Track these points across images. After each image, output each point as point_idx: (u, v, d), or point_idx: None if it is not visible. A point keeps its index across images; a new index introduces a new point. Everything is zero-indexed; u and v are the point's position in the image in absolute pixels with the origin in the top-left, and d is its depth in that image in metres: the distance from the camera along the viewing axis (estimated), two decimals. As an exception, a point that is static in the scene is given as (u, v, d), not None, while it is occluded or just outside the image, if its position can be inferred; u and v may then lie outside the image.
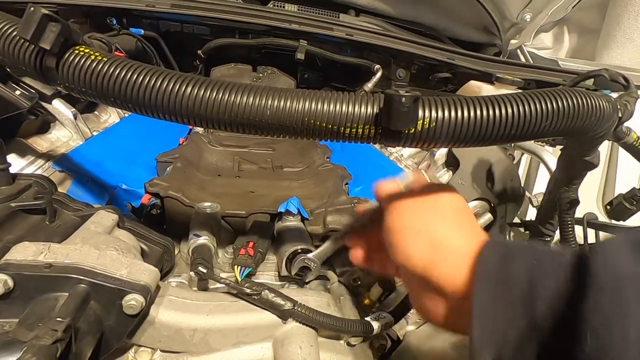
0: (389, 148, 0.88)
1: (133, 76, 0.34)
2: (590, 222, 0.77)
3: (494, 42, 1.35)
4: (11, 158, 0.60)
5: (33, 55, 0.35)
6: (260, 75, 1.09)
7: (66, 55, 0.35)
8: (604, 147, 0.96)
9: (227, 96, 0.34)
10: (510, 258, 0.28)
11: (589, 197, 0.94)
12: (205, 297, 0.43)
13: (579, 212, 0.68)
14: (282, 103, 0.33)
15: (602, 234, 0.78)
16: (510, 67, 0.97)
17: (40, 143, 0.67)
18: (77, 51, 0.35)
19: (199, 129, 0.89)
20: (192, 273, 0.49)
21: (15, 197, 0.44)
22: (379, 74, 0.99)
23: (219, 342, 0.41)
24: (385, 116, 0.32)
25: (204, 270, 0.46)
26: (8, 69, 0.57)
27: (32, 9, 0.32)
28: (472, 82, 0.97)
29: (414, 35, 1.18)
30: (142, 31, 0.93)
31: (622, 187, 0.89)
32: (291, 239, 0.54)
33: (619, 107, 0.42)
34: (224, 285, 0.45)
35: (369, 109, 0.33)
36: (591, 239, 0.77)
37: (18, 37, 0.35)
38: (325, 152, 0.85)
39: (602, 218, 0.82)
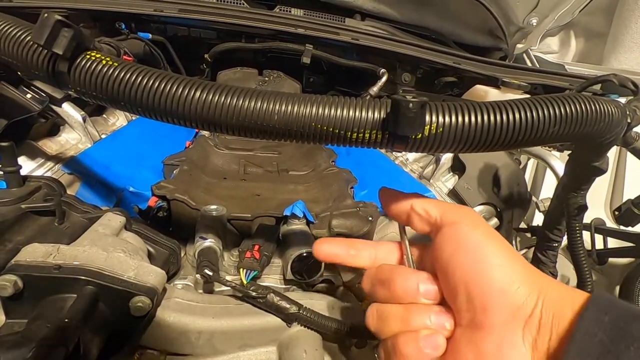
0: (394, 152, 0.88)
1: (143, 80, 0.34)
2: (598, 227, 0.76)
3: (500, 46, 1.34)
4: (22, 160, 0.61)
5: (46, 60, 0.35)
6: (266, 79, 1.10)
7: (78, 60, 0.35)
8: (613, 153, 0.95)
9: (235, 101, 0.34)
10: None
11: (597, 202, 0.93)
12: (211, 299, 0.44)
13: (587, 218, 0.68)
14: (289, 108, 0.34)
15: (610, 240, 0.77)
16: (516, 71, 0.97)
17: (50, 146, 0.68)
18: (88, 56, 0.35)
19: (206, 132, 0.90)
20: (198, 275, 0.49)
21: (25, 199, 0.44)
22: (384, 78, 0.99)
23: (224, 344, 0.41)
24: (393, 121, 0.32)
25: (210, 273, 0.46)
26: (20, 73, 0.58)
27: (45, 15, 0.33)
28: (478, 86, 0.96)
29: (420, 39, 1.18)
30: (150, 35, 0.95)
31: (630, 192, 0.88)
32: (296, 242, 0.55)
33: (627, 112, 0.42)
34: (229, 288, 0.45)
35: (376, 114, 0.33)
36: (599, 244, 0.76)
37: (31, 42, 0.36)
38: (330, 156, 0.85)
39: (610, 224, 0.81)
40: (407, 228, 0.37)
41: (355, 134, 0.34)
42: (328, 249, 0.38)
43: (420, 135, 0.33)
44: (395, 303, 0.33)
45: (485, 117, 0.33)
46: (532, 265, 0.31)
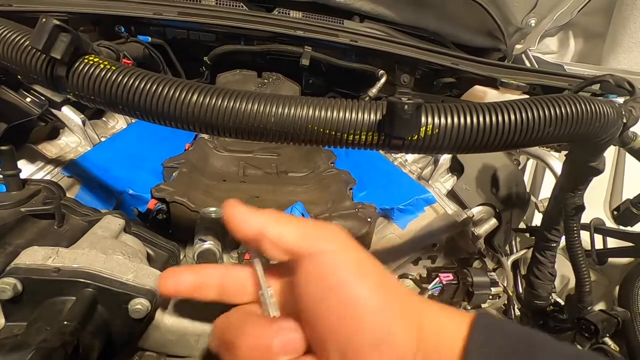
0: (392, 153, 0.89)
1: (141, 84, 0.35)
2: (597, 227, 0.76)
3: (499, 47, 1.35)
4: (21, 164, 0.61)
5: (44, 64, 0.36)
6: (265, 81, 1.11)
7: (76, 65, 0.35)
8: (611, 153, 0.95)
9: (232, 103, 0.34)
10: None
11: (596, 202, 0.93)
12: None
13: (586, 218, 0.68)
14: (286, 110, 0.34)
15: (609, 240, 0.77)
16: (515, 71, 0.97)
17: (50, 149, 0.68)
18: (86, 60, 0.36)
19: (205, 135, 0.90)
20: (197, 278, 0.49)
21: (25, 202, 0.45)
22: (383, 80, 1.00)
23: (223, 346, 0.41)
24: (388, 123, 0.33)
25: (209, 275, 0.46)
26: (19, 77, 0.59)
27: (44, 20, 0.33)
28: (477, 87, 0.97)
29: (418, 40, 1.18)
30: (150, 38, 0.95)
31: (629, 192, 0.88)
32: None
33: (623, 112, 0.42)
34: (228, 290, 0.45)
35: (372, 116, 0.33)
36: (598, 244, 0.76)
37: (30, 47, 0.36)
38: (329, 157, 0.85)
39: (610, 224, 0.81)
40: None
41: (352, 136, 0.34)
42: (171, 284, 0.30)
43: (416, 137, 0.34)
44: None
45: (481, 118, 0.34)
46: (405, 291, 0.27)
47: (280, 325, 0.27)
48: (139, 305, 0.36)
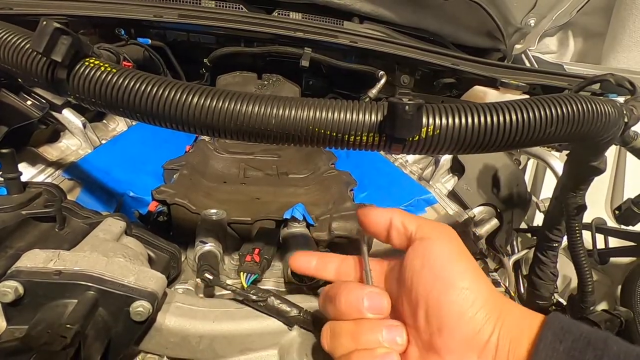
0: (393, 154, 0.88)
1: (141, 87, 0.35)
2: (598, 227, 0.76)
3: (498, 47, 1.35)
4: (22, 167, 0.61)
5: (45, 67, 0.36)
6: (265, 82, 1.11)
7: (77, 67, 0.35)
8: (612, 152, 0.95)
9: (232, 105, 0.34)
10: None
11: (598, 201, 0.93)
12: (212, 303, 0.44)
13: (588, 217, 0.67)
14: (286, 112, 0.34)
15: (611, 239, 0.77)
16: (515, 71, 0.97)
17: (51, 152, 0.68)
18: (87, 63, 0.36)
19: (205, 137, 0.90)
20: (198, 280, 0.49)
21: (26, 205, 0.45)
22: (383, 80, 1.00)
23: (225, 348, 0.41)
24: (389, 124, 0.33)
25: (210, 277, 0.46)
26: (20, 80, 0.59)
27: (44, 22, 0.33)
28: (477, 87, 0.97)
29: (418, 41, 1.19)
30: (150, 41, 0.95)
31: (630, 191, 0.88)
32: (297, 245, 0.55)
33: (625, 112, 0.42)
34: (230, 291, 0.45)
35: (373, 117, 0.33)
36: (600, 244, 0.76)
37: (31, 50, 0.36)
38: (330, 159, 0.85)
39: (611, 223, 0.81)
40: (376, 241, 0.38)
41: (353, 137, 0.34)
42: (302, 262, 0.39)
43: (417, 138, 0.34)
44: (345, 320, 0.32)
45: (482, 119, 0.34)
46: (494, 287, 0.30)
47: (371, 289, 0.32)
48: (141, 307, 0.36)
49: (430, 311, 0.29)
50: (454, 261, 0.30)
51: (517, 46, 1.43)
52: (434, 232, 0.32)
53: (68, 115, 0.70)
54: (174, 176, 0.69)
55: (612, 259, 0.77)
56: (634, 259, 0.77)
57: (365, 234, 0.38)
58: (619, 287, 0.77)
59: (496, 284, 0.64)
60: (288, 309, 0.42)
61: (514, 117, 0.34)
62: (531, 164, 0.99)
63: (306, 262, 0.39)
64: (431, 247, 0.31)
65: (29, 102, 0.63)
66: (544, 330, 0.26)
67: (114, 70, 0.36)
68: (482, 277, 0.30)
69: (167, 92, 0.35)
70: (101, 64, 0.36)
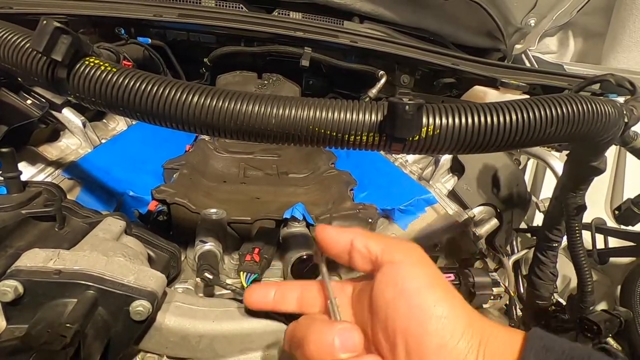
0: (393, 154, 0.88)
1: (141, 86, 0.35)
2: (598, 227, 0.76)
3: (499, 47, 1.35)
4: (22, 166, 0.61)
5: (45, 66, 0.36)
6: (265, 82, 1.11)
7: (77, 67, 0.35)
8: (612, 152, 0.95)
9: (232, 105, 0.34)
10: None
11: (597, 201, 0.93)
12: (212, 303, 0.44)
13: (588, 217, 0.67)
14: (286, 111, 0.34)
15: (611, 239, 0.77)
16: (515, 71, 0.97)
17: (50, 151, 0.68)
18: (87, 62, 0.36)
19: (205, 136, 0.90)
20: (198, 279, 0.49)
21: (25, 205, 0.44)
22: (383, 80, 1.00)
23: (225, 348, 0.41)
24: (390, 124, 0.33)
25: (210, 277, 0.46)
26: (20, 80, 0.59)
27: (44, 22, 0.33)
28: (477, 87, 0.97)
29: (418, 41, 1.19)
30: (150, 40, 0.95)
31: (630, 191, 0.88)
32: (296, 245, 0.55)
33: (625, 112, 0.42)
34: (230, 291, 0.45)
35: (373, 117, 0.33)
36: (599, 244, 0.76)
37: (31, 49, 0.36)
38: (330, 158, 0.85)
39: (611, 223, 0.81)
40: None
41: (353, 137, 0.34)
42: (257, 297, 0.37)
43: (417, 137, 0.34)
44: None
45: (482, 119, 0.34)
46: (473, 310, 0.29)
47: (341, 326, 0.30)
48: (140, 307, 0.36)
49: (410, 346, 0.27)
50: (428, 287, 0.28)
51: (517, 46, 1.43)
52: (403, 254, 0.30)
53: (68, 115, 0.70)
54: (174, 175, 0.69)
55: (611, 259, 0.77)
56: (633, 259, 0.77)
57: (324, 255, 0.35)
58: (619, 287, 0.77)
59: (496, 284, 0.64)
60: (288, 308, 0.42)
61: (514, 117, 0.34)
62: (531, 164, 0.99)
63: (263, 295, 0.36)
64: (402, 274, 0.29)
65: (28, 101, 0.63)
66: (525, 351, 0.25)
67: (114, 70, 0.36)
68: (459, 302, 0.28)
69: (167, 92, 0.35)
70: (101, 63, 0.36)
